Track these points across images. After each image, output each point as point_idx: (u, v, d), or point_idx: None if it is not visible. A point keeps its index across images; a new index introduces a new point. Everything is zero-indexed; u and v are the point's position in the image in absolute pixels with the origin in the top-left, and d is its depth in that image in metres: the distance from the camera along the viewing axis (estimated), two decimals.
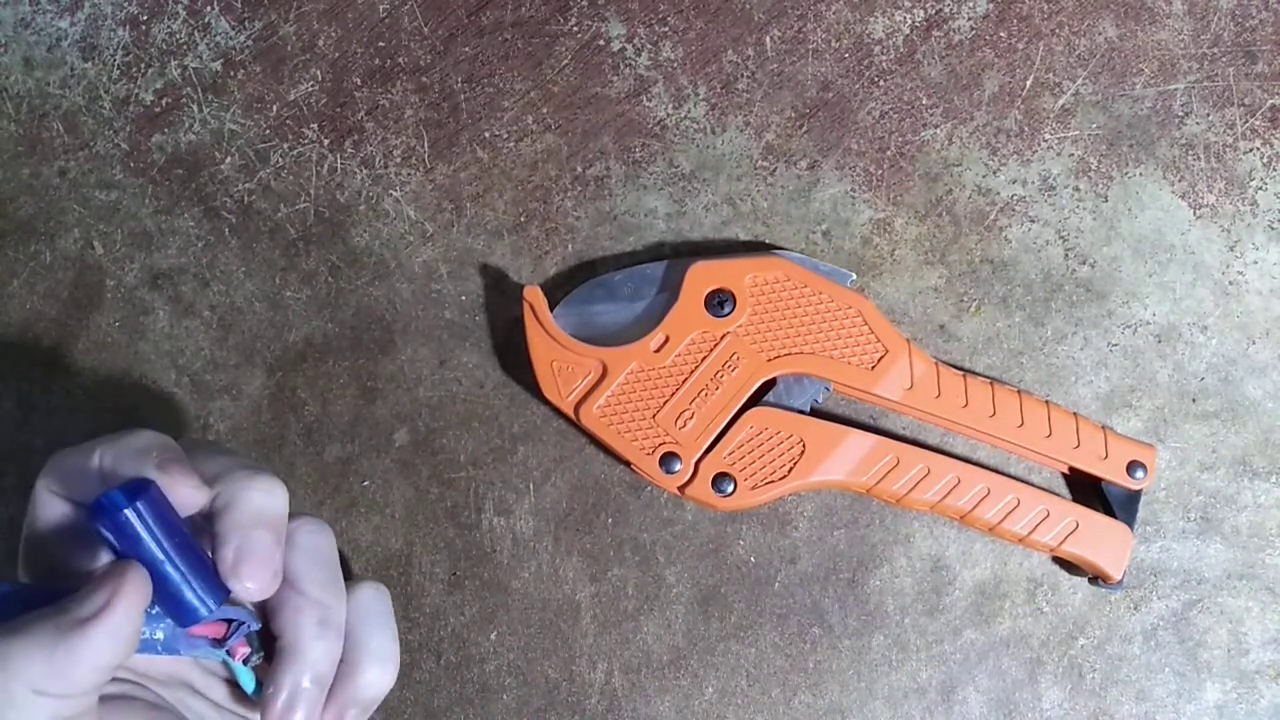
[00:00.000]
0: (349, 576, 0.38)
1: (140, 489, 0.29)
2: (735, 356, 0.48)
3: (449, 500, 0.50)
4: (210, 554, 0.31)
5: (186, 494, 0.31)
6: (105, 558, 0.31)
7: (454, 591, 0.49)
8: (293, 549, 0.33)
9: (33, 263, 0.50)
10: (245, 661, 0.33)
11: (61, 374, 0.50)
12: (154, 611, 0.30)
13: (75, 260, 0.50)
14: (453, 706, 0.49)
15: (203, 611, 0.30)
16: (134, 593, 0.29)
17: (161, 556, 0.29)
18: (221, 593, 0.31)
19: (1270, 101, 0.51)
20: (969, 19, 0.51)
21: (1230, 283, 0.50)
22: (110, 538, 0.29)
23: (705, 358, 0.48)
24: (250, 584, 0.31)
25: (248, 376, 0.50)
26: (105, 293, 0.50)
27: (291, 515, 0.33)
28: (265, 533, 0.31)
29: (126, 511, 0.29)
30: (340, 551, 0.36)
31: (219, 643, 0.32)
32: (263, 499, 0.32)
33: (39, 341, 0.50)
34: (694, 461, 0.47)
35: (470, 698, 0.49)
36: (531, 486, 0.50)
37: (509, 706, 0.49)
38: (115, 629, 0.28)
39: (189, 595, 0.30)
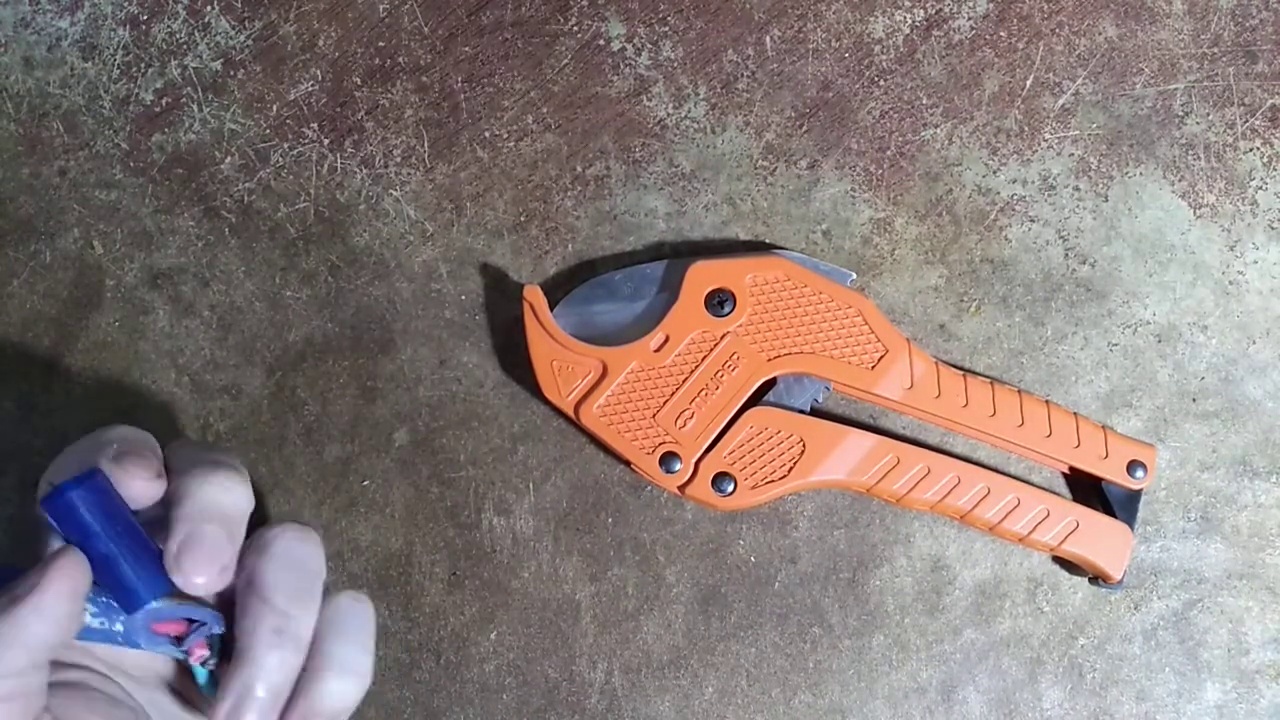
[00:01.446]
0: (350, 584, 0.37)
1: (85, 478, 0.30)
2: (735, 356, 0.48)
3: (449, 500, 0.50)
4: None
5: (139, 486, 0.31)
6: (57, 545, 0.32)
7: (454, 591, 0.49)
8: (265, 555, 0.32)
9: (33, 263, 0.50)
10: (204, 664, 0.33)
11: (61, 374, 0.50)
12: (114, 604, 0.31)
13: (75, 260, 0.50)
14: (453, 706, 0.49)
15: (143, 595, 0.30)
16: (64, 575, 0.29)
17: (103, 543, 0.30)
18: (165, 582, 0.31)
19: (1270, 101, 0.51)
20: (969, 19, 0.51)
21: (1230, 282, 0.50)
22: (55, 525, 0.30)
23: (705, 357, 0.48)
24: (196, 577, 0.31)
25: (248, 376, 0.50)
26: (105, 292, 0.50)
27: (278, 521, 0.33)
28: (214, 527, 0.31)
29: (69, 495, 0.30)
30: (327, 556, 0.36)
31: (179, 641, 0.32)
32: (216, 493, 0.32)
33: (39, 341, 0.50)
34: (694, 461, 0.47)
35: (470, 698, 0.49)
36: (531, 486, 0.50)
37: (509, 706, 0.49)
38: (44, 609, 0.28)
39: (130, 579, 0.30)
